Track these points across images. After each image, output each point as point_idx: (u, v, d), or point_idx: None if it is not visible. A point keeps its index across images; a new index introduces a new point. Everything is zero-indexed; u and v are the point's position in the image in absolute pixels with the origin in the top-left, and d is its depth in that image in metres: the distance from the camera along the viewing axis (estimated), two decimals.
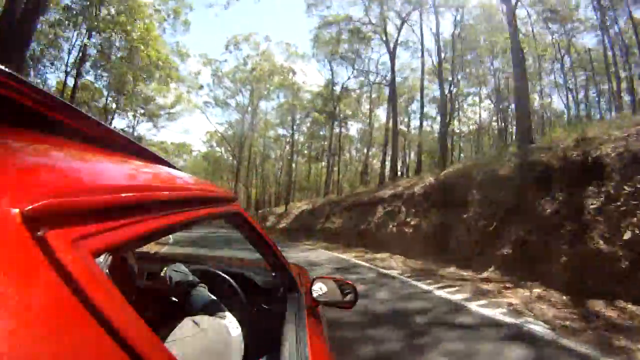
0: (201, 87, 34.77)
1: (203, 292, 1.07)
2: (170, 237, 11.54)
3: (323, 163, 36.89)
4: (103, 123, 0.61)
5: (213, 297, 1.06)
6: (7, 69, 0.40)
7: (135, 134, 28.59)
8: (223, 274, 1.28)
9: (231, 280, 1.25)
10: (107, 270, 0.38)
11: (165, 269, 1.20)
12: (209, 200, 0.80)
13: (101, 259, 0.37)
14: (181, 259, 1.52)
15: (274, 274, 1.32)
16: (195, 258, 1.98)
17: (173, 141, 63.49)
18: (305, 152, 40.20)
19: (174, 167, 0.83)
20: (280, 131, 39.64)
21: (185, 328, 0.75)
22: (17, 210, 0.29)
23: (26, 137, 0.44)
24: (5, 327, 0.24)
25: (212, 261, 1.77)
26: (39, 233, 0.29)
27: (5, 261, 0.27)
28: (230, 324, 0.91)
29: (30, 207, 0.29)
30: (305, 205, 24.21)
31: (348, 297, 1.37)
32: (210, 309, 0.97)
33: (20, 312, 0.25)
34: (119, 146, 0.65)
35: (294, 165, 36.93)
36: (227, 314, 0.97)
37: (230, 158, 42.52)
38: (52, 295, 0.29)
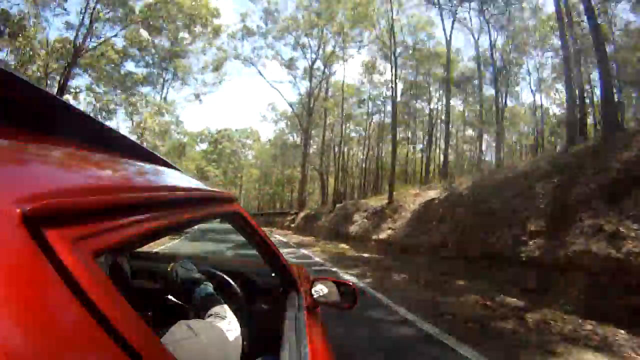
0: (248, 29, 24.72)
1: (207, 290, 1.04)
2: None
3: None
4: (104, 123, 0.62)
5: (217, 296, 1.02)
6: (8, 70, 0.40)
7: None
8: (222, 274, 1.27)
9: (230, 281, 1.25)
10: (108, 270, 0.40)
11: (172, 264, 1.19)
12: (209, 200, 0.81)
13: (101, 259, 0.39)
14: (181, 259, 1.54)
15: (273, 274, 1.32)
16: (194, 258, 1.78)
17: (238, 128, 57.23)
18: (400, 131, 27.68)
19: (174, 168, 0.85)
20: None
21: (178, 331, 0.74)
22: (17, 210, 0.28)
23: (27, 137, 0.44)
24: (6, 327, 0.24)
25: (212, 261, 1.70)
26: (39, 233, 0.29)
27: (5, 261, 0.26)
28: (229, 327, 0.87)
29: (31, 207, 0.29)
30: (432, 193, 11.14)
31: (347, 298, 1.35)
32: (212, 310, 0.93)
33: (21, 312, 0.25)
34: (119, 146, 0.64)
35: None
36: (229, 316, 0.92)
37: (299, 140, 32.53)
38: (52, 295, 0.29)
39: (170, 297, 1.15)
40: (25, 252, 0.28)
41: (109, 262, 0.91)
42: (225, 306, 0.95)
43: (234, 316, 0.92)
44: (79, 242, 0.32)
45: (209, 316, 0.90)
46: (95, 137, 0.59)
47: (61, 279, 0.29)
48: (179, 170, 0.86)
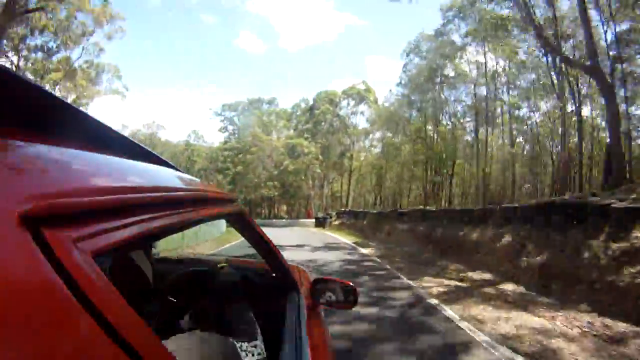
0: None
1: (242, 312, 1.05)
2: None
3: None
4: (104, 123, 0.62)
5: (253, 318, 1.03)
6: (8, 69, 0.41)
7: None
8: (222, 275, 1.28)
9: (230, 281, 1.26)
10: (109, 271, 0.42)
11: (225, 265, 1.31)
12: (210, 200, 0.81)
13: (102, 259, 0.37)
14: (181, 260, 1.61)
15: (274, 275, 1.33)
16: (195, 259, 1.87)
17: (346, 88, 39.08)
18: None
19: (175, 168, 0.84)
20: None
21: (187, 340, 0.74)
22: (17, 211, 0.29)
23: (26, 137, 0.43)
24: (6, 327, 0.24)
25: (212, 262, 1.67)
26: (39, 233, 0.29)
27: (5, 261, 0.27)
28: (250, 350, 0.88)
29: (30, 207, 0.29)
30: None
31: (348, 298, 1.35)
32: (240, 332, 0.94)
33: (21, 312, 0.25)
34: (120, 146, 0.65)
35: None
36: (257, 340, 0.94)
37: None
38: (52, 296, 0.29)
39: (170, 298, 1.18)
40: (25, 252, 0.28)
41: (109, 262, 0.86)
42: (256, 331, 0.97)
43: (261, 344, 0.93)
44: (79, 243, 0.32)
45: (241, 342, 0.89)
46: (95, 137, 0.59)
47: (61, 280, 0.29)
48: (179, 170, 0.87)
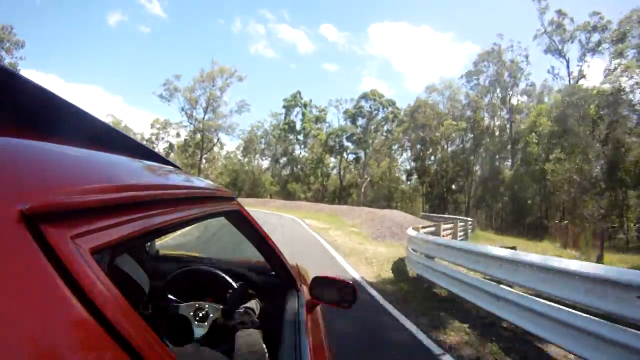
0: None
1: (251, 339, 0.99)
2: None
3: None
4: (104, 122, 0.62)
5: (262, 346, 0.96)
6: (8, 67, 0.41)
7: None
8: (222, 274, 1.27)
9: (230, 280, 1.25)
10: (106, 268, 0.41)
11: (230, 292, 1.19)
12: (209, 198, 0.81)
13: (99, 256, 0.37)
14: (180, 259, 1.58)
15: (273, 273, 1.34)
16: (194, 257, 1.80)
17: None
18: None
19: (174, 166, 0.85)
20: None
21: (189, 351, 0.71)
22: (17, 208, 0.29)
23: (27, 136, 0.44)
24: (5, 323, 0.25)
25: (211, 261, 1.66)
26: (38, 230, 0.30)
27: (5, 258, 0.27)
28: None
29: (30, 205, 0.30)
30: None
31: (347, 296, 1.33)
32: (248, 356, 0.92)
33: (20, 308, 0.26)
34: (119, 144, 0.64)
35: None
36: None
37: None
38: (50, 291, 0.29)
39: (170, 296, 1.17)
40: (25, 249, 0.28)
41: (107, 260, 0.83)
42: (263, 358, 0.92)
43: None
44: (78, 240, 0.33)
45: None
46: (94, 135, 0.58)
47: (60, 276, 0.29)
48: (178, 167, 0.85)
